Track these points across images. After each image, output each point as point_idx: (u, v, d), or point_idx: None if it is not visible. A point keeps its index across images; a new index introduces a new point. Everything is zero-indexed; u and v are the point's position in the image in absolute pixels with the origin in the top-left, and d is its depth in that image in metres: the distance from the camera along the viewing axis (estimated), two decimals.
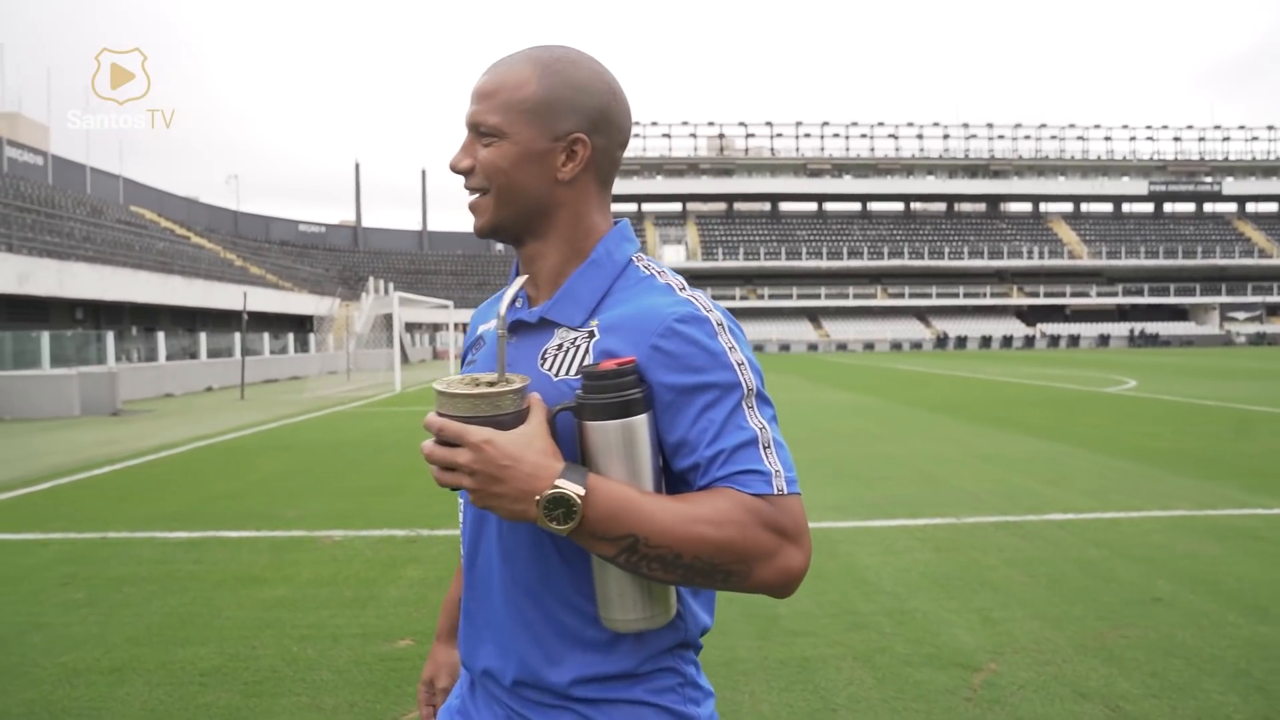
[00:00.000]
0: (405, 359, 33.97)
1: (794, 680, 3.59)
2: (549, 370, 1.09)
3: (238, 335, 28.53)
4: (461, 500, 1.20)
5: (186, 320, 34.56)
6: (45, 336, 20.92)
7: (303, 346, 36.75)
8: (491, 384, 1.00)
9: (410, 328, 47.38)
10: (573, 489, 0.95)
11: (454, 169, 1.13)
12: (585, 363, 1.06)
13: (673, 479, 1.07)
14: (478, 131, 1.11)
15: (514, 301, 1.17)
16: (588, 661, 1.08)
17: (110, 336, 23.12)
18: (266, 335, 32.72)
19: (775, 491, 1.01)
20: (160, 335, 25.99)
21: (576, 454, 1.03)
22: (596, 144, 1.13)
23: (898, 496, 7.47)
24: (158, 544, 6.14)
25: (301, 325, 41.97)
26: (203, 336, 28.13)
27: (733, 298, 67.73)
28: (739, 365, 1.05)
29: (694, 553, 0.97)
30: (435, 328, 55.10)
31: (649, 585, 1.03)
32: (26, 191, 33.98)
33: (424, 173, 75.61)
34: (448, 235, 75.65)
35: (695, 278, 69.18)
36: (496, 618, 1.12)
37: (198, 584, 5.11)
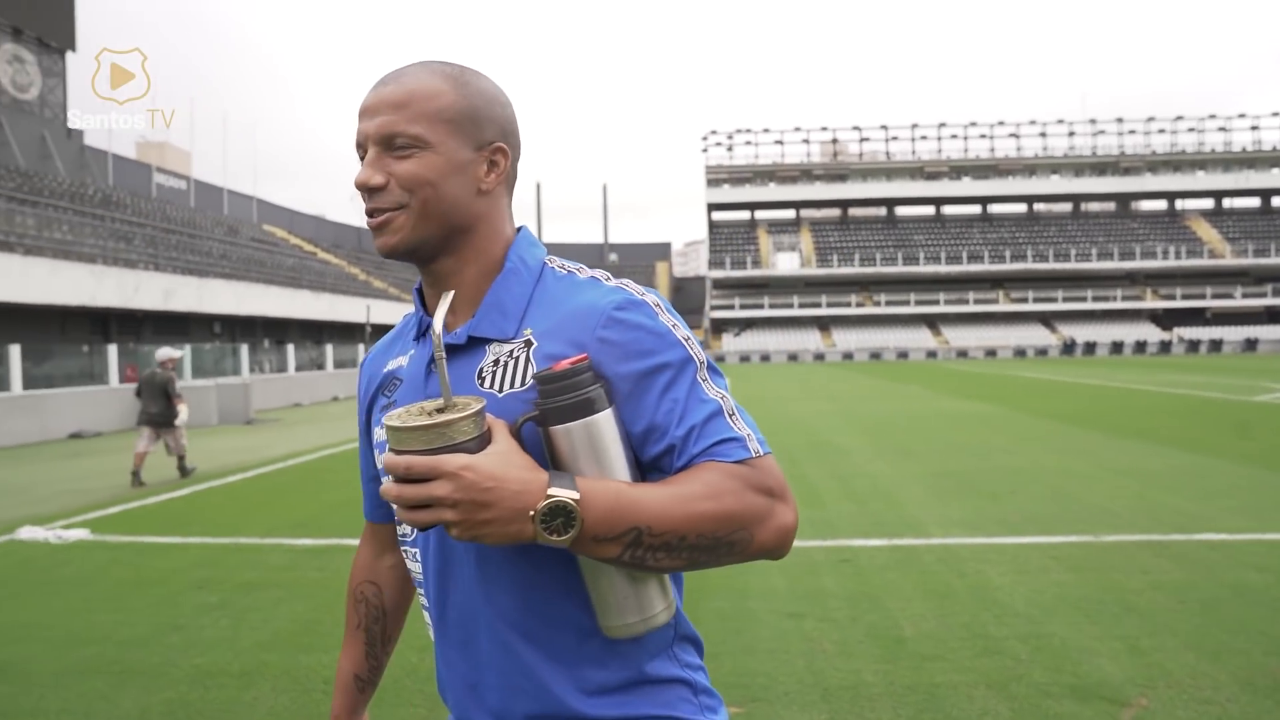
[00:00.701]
0: None
1: (923, 708, 3.39)
2: (491, 388, 1.04)
3: (361, 346, 29.66)
4: (415, 550, 1.14)
5: (314, 333, 36.16)
6: (187, 349, 22.20)
7: None
8: (442, 410, 0.94)
9: None
10: (567, 494, 0.91)
11: (366, 186, 1.04)
12: (529, 374, 1.03)
13: (642, 470, 1.03)
14: (391, 145, 1.04)
15: (423, 328, 1.14)
16: (592, 678, 1.04)
17: (245, 349, 24.37)
18: None
19: (753, 455, 1.01)
20: (290, 347, 27.26)
21: (545, 465, 0.98)
22: (511, 154, 1.11)
23: (1028, 512, 7.08)
24: (285, 550, 6.35)
25: None
26: (329, 348, 29.38)
27: (848, 304, 66.45)
28: (686, 340, 1.05)
29: (698, 531, 0.95)
30: None
31: (647, 583, 1.00)
32: (171, 214, 36.27)
33: (538, 185, 76.80)
34: (561, 247, 76.92)
35: (810, 285, 68.30)
36: (487, 662, 1.06)
37: (321, 591, 5.24)
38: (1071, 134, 70.55)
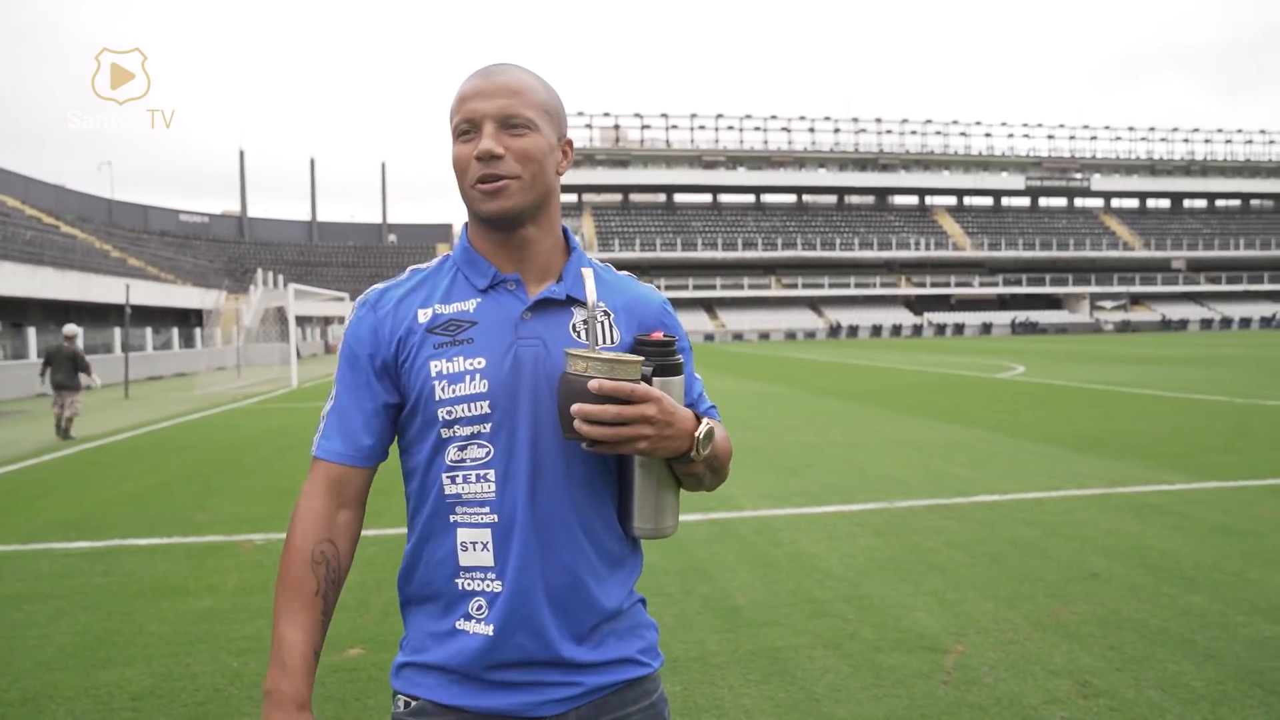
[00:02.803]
0: (297, 353, 32.78)
1: (770, 672, 3.53)
2: (587, 340, 1.28)
3: (118, 330, 26.98)
4: (488, 470, 1.24)
5: (58, 315, 32.40)
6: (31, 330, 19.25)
7: (187, 341, 34.98)
8: (618, 356, 1.18)
9: (300, 321, 45.58)
10: (713, 422, 1.27)
11: (491, 154, 1.23)
12: (614, 336, 1.32)
13: None
14: (508, 124, 1.24)
15: (493, 280, 1.30)
16: (623, 578, 1.33)
17: None
18: (149, 330, 31.02)
19: (719, 417, 1.42)
20: (31, 331, 24.32)
21: None
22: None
23: (827, 483, 7.55)
24: (57, 556, 5.67)
25: (186, 319, 39.93)
26: (80, 332, 26.43)
27: None
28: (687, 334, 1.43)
29: (726, 460, 1.34)
30: (326, 320, 53.30)
31: (675, 500, 1.30)
32: None
33: (313, 161, 72.11)
34: (338, 226, 73.20)
35: None
36: (565, 555, 1.26)
37: (111, 598, 4.72)
38: (837, 130, 75.48)
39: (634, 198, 77.50)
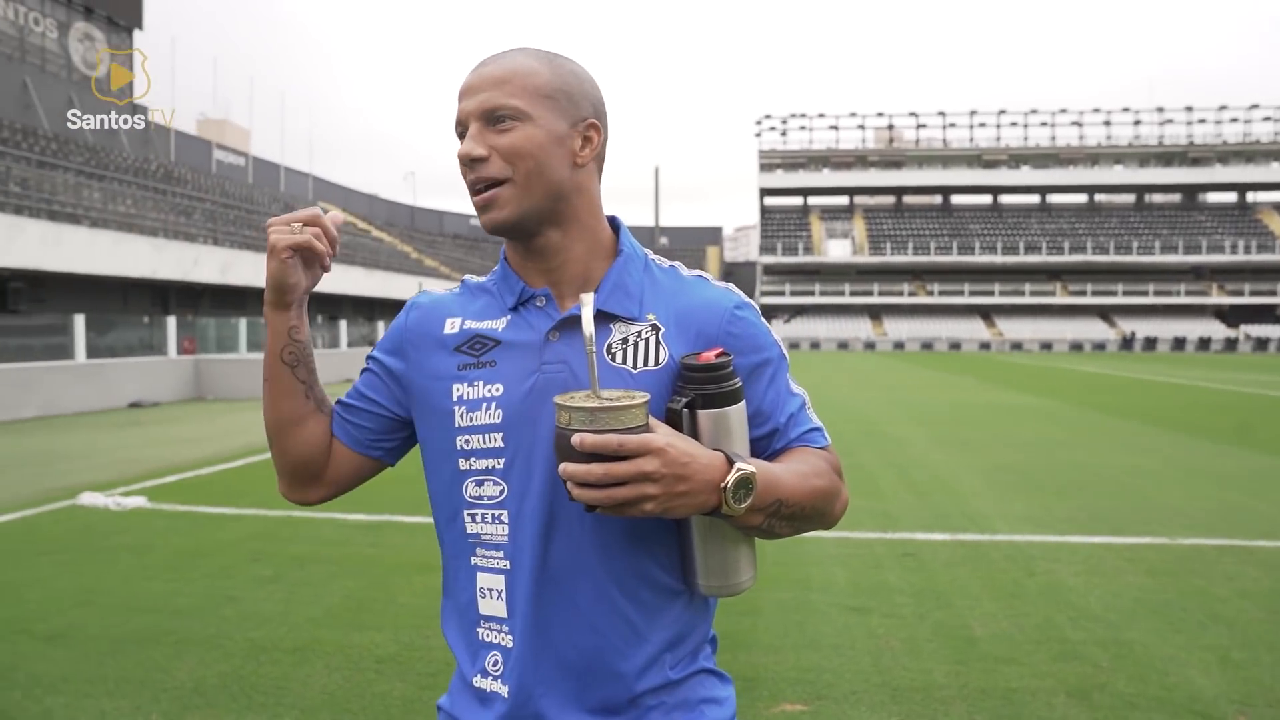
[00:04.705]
0: None
1: (1000, 715, 3.22)
2: (624, 364, 1.10)
3: None
4: (501, 511, 1.12)
5: (365, 309, 36.52)
6: (243, 323, 22.53)
7: None
8: (614, 398, 0.97)
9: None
10: (749, 468, 1.00)
11: (469, 157, 1.08)
12: (660, 355, 1.11)
13: None
14: (492, 118, 1.08)
15: (522, 298, 1.16)
16: (674, 642, 1.13)
17: None
18: None
19: (828, 443, 1.20)
20: (343, 323, 27.53)
21: None
22: (603, 132, 1.16)
23: (1096, 511, 6.81)
24: (337, 525, 6.34)
25: None
26: (380, 325, 29.62)
27: (900, 293, 65.44)
28: (779, 340, 1.20)
29: (811, 503, 1.09)
30: None
31: (746, 552, 1.10)
32: (230, 190, 36.84)
33: None
34: None
35: (862, 273, 67.45)
36: (586, 614, 1.10)
37: (374, 568, 5.20)
38: (1137, 122, 68.51)
39: (907, 199, 74.75)
